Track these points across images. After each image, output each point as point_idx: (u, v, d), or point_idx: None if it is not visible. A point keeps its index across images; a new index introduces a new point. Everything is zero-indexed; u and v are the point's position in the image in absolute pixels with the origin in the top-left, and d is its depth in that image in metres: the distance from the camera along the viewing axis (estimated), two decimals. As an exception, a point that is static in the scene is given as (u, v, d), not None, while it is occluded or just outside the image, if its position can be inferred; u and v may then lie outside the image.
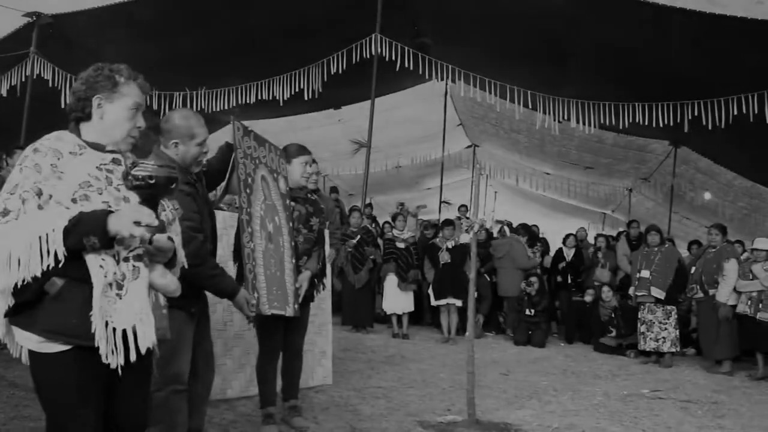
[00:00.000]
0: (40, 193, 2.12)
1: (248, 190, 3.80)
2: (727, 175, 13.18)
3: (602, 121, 10.38)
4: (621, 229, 14.10)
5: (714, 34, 8.69)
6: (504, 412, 5.41)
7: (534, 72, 10.16)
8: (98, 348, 2.14)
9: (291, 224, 4.22)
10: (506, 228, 12.09)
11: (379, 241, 10.17)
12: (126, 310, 2.19)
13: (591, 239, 12.68)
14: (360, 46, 10.33)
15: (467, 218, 9.38)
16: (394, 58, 10.21)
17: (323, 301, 5.91)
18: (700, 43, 9.02)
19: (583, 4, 8.62)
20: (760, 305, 7.60)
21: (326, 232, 5.23)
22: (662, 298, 8.11)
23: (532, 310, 9.46)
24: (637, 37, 9.22)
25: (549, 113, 10.59)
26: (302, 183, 4.47)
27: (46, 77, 10.73)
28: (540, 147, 15.23)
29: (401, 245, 9.67)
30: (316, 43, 10.90)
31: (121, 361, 2.19)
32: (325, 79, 10.81)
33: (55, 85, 10.76)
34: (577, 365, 8.03)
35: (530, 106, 10.81)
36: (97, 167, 2.26)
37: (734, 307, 7.87)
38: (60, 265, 2.07)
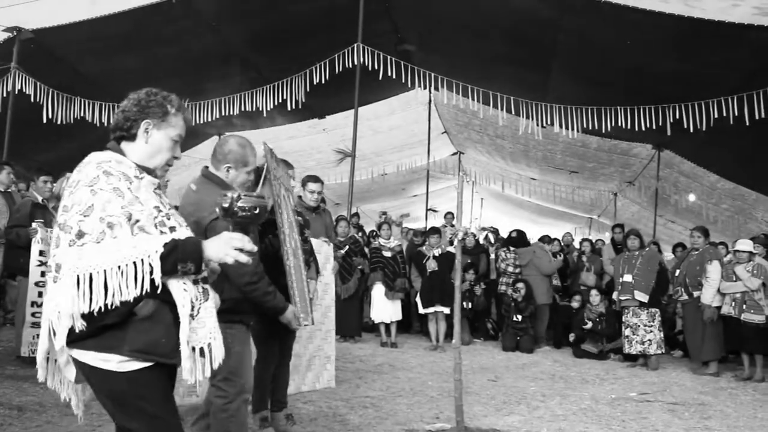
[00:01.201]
0: (130, 218, 2.18)
1: (280, 210, 4.01)
2: (710, 177, 13.28)
3: (585, 126, 10.44)
4: (608, 234, 14.20)
5: (692, 38, 8.78)
6: (492, 418, 5.41)
7: (517, 78, 10.22)
8: (166, 366, 2.26)
9: (301, 237, 4.53)
10: (490, 235, 12.12)
11: (366, 250, 10.16)
12: (201, 329, 2.29)
13: (577, 244, 12.74)
14: (343, 56, 10.35)
15: (452, 226, 9.41)
16: (377, 67, 10.24)
17: (329, 309, 6.28)
18: (680, 46, 9.11)
19: (564, 9, 8.68)
20: (744, 306, 7.66)
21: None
22: (645, 301, 8.15)
23: (519, 316, 9.49)
24: (618, 41, 9.30)
25: (532, 118, 10.65)
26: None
27: (27, 92, 10.66)
28: (525, 152, 15.30)
29: (388, 254, 9.66)
30: (299, 53, 10.93)
31: (200, 377, 2.29)
32: (308, 90, 10.82)
33: (37, 99, 10.70)
34: (565, 370, 8.04)
35: (513, 112, 10.87)
36: (153, 192, 2.35)
37: (719, 308, 7.92)
38: (151, 289, 2.13)
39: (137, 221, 2.20)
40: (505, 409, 5.76)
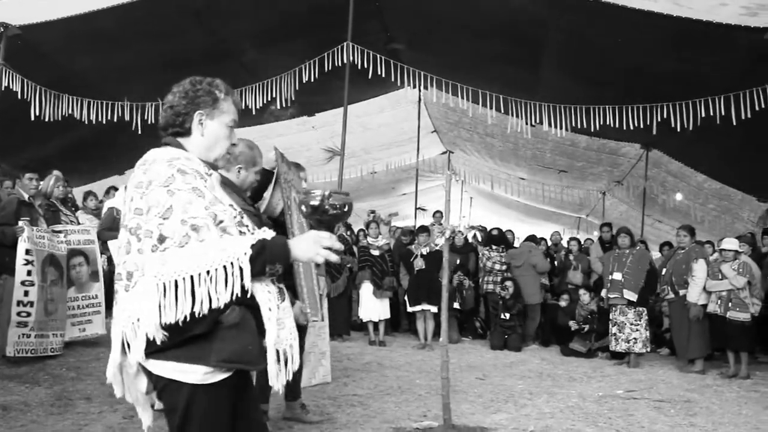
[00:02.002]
0: (215, 219, 2.07)
1: (290, 212, 4.24)
2: (698, 177, 13.35)
3: (574, 124, 10.47)
4: (596, 233, 14.26)
5: (681, 37, 8.82)
6: (480, 416, 5.43)
7: (506, 76, 10.23)
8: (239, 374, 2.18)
9: None
10: (479, 234, 12.15)
11: (354, 249, 10.16)
12: (282, 331, 2.20)
13: (565, 243, 12.79)
14: (332, 55, 10.33)
15: (440, 224, 9.42)
16: (366, 65, 10.23)
17: (322, 304, 6.32)
18: (669, 46, 9.15)
19: (553, 7, 8.70)
20: (730, 304, 7.73)
21: None
22: (634, 300, 8.20)
23: (507, 314, 9.53)
24: (608, 40, 9.33)
25: (521, 117, 10.67)
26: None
27: (15, 89, 10.58)
28: (514, 151, 15.32)
29: (376, 252, 9.68)
30: (288, 51, 10.89)
31: (284, 380, 2.21)
32: (297, 88, 10.80)
33: (25, 96, 10.61)
34: (552, 368, 8.08)
35: (503, 111, 10.88)
36: (223, 188, 2.29)
37: (705, 306, 7.98)
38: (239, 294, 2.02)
39: (221, 222, 2.08)
40: (493, 407, 5.79)
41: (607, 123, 10.20)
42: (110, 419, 4.77)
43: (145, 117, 11.43)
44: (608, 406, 6.01)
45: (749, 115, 8.91)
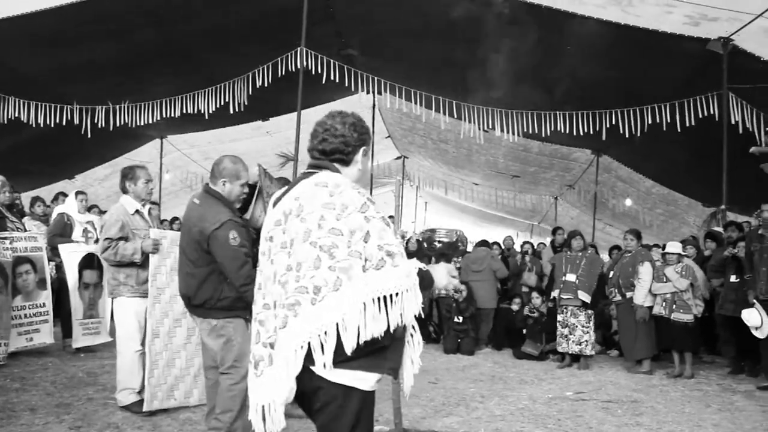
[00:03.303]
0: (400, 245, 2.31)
1: None
2: (646, 182, 13.69)
3: (526, 130, 10.63)
4: (549, 238, 14.46)
5: (628, 45, 9.04)
6: (431, 420, 5.46)
7: (458, 81, 10.32)
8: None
9: None
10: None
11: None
12: None
13: (518, 247, 12.95)
14: (286, 59, 10.30)
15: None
16: (320, 71, 10.22)
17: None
18: (615, 53, 9.37)
19: (504, 14, 8.81)
20: (674, 306, 7.93)
21: None
22: (588, 301, 8.34)
23: (460, 318, 9.59)
24: (556, 47, 9.50)
25: (474, 122, 10.79)
26: None
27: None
28: (468, 156, 15.47)
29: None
30: (242, 56, 10.81)
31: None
32: (251, 93, 10.73)
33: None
34: (504, 371, 8.17)
35: (456, 116, 10.98)
36: None
37: (651, 308, 8.17)
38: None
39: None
40: (444, 411, 5.82)
41: (558, 129, 10.40)
42: (56, 430, 4.66)
43: (95, 120, 11.23)
44: (557, 408, 6.11)
45: (693, 123, 9.19)
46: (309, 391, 2.31)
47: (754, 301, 7.07)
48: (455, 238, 3.17)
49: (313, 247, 2.23)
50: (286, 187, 2.60)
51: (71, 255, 7.39)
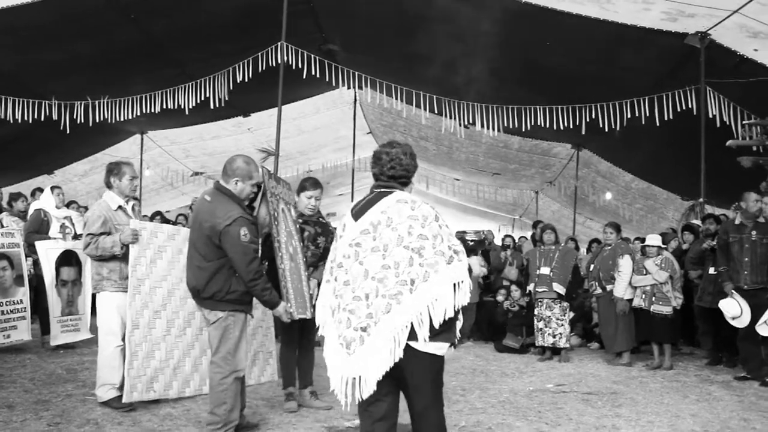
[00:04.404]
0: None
1: (276, 222, 4.73)
2: (625, 177, 13.79)
3: (506, 125, 10.65)
4: (530, 232, 14.51)
5: (607, 40, 9.10)
6: (412, 413, 5.46)
7: (439, 77, 10.35)
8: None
9: (302, 244, 5.27)
10: None
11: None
12: None
13: (499, 241, 12.97)
14: (266, 54, 10.24)
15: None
16: (300, 65, 10.18)
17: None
18: (594, 48, 9.43)
19: (484, 8, 8.83)
20: (654, 298, 8.01)
21: None
22: (563, 293, 8.39)
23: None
24: (536, 41, 9.53)
25: (455, 117, 10.80)
26: (306, 212, 5.46)
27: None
28: (448, 154, 15.49)
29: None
30: (222, 50, 10.74)
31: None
32: (231, 88, 10.67)
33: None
34: (486, 364, 8.20)
35: (436, 111, 10.99)
36: None
37: (630, 301, 8.24)
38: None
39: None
40: (426, 404, 5.82)
41: (538, 123, 10.44)
42: (34, 427, 4.62)
43: (74, 116, 11.10)
44: (538, 400, 6.14)
45: (671, 117, 9.27)
46: (402, 361, 2.91)
47: (732, 291, 7.17)
48: (482, 237, 3.59)
49: (406, 249, 2.93)
50: (360, 201, 3.20)
51: (48, 252, 7.32)
